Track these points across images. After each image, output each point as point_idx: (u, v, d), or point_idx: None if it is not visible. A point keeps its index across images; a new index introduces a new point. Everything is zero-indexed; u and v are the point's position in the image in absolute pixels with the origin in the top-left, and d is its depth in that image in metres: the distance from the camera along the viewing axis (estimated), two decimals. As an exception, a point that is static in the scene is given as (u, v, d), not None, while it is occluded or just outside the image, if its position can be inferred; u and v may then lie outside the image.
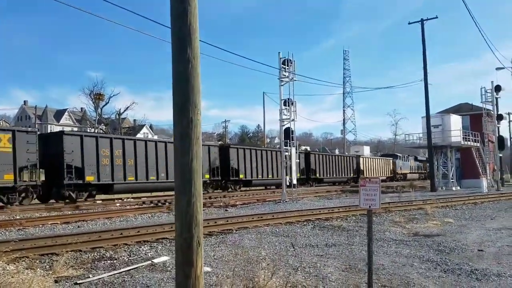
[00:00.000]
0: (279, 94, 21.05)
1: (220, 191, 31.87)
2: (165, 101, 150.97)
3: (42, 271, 6.61)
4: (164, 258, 7.38)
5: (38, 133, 21.89)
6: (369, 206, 5.22)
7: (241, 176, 33.06)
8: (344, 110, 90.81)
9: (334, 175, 45.22)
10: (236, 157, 32.46)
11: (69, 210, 18.40)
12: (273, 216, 13.63)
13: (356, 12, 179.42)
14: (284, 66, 20.68)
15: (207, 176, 30.67)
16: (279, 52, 20.77)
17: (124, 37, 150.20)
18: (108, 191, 23.68)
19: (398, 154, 66.87)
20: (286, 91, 21.13)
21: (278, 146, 57.52)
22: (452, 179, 35.20)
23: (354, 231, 10.97)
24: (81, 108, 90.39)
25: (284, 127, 21.06)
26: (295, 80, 20.83)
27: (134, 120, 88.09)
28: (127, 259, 7.55)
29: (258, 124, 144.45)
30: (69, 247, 8.35)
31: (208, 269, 6.55)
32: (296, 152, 21.00)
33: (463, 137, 34.74)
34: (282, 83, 21.00)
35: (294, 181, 20.57)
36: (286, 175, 21.22)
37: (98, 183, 22.58)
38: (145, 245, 8.81)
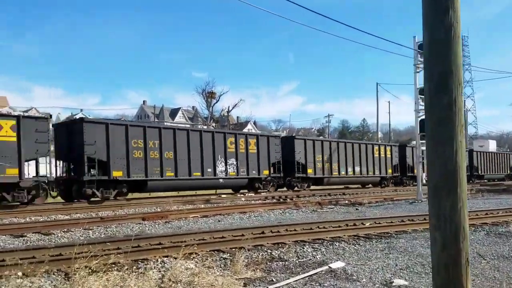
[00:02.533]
0: (414, 82, 19.21)
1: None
2: (262, 98, 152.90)
3: (220, 270, 6.23)
4: (339, 264, 6.59)
5: (58, 121, 20.30)
6: None
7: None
8: (464, 100, 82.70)
9: (493, 172, 44.88)
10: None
11: (205, 204, 18.79)
12: (425, 219, 12.16)
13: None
14: (420, 51, 18.78)
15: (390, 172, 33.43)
16: (414, 36, 18.98)
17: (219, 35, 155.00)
18: (141, 189, 20.81)
19: None
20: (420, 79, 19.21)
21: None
22: None
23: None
24: (193, 107, 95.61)
25: (419, 119, 19.14)
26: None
27: (237, 117, 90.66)
28: (297, 261, 6.94)
29: (364, 118, 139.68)
30: (230, 244, 8.03)
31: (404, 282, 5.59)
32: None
33: None
34: (417, 70, 19.15)
35: (424, 180, 18.59)
36: (423, 171, 19.35)
37: (128, 179, 19.61)
38: (306, 246, 8.15)
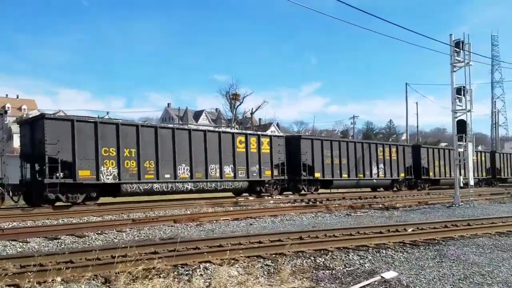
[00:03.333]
0: (451, 82, 18.44)
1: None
2: (284, 100, 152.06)
3: (264, 278, 5.87)
4: (392, 274, 6.15)
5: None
6: None
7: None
8: (494, 101, 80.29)
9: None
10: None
11: (230, 206, 18.47)
12: (468, 224, 11.55)
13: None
14: (457, 49, 18.08)
15: (402, 174, 31.62)
16: (451, 34, 18.27)
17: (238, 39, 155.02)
18: (115, 194, 18.71)
19: None
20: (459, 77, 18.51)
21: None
22: None
23: None
24: (216, 109, 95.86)
25: (456, 119, 18.36)
26: (471, 65, 18.06)
27: (259, 119, 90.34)
28: (345, 270, 6.52)
29: (390, 119, 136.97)
30: (270, 250, 7.67)
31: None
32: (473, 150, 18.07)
33: None
34: (454, 69, 18.39)
35: (471, 182, 17.78)
36: (460, 174, 18.55)
37: (98, 183, 17.50)
38: (350, 253, 7.71)
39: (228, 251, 6.91)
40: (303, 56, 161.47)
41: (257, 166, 23.32)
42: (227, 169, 22.02)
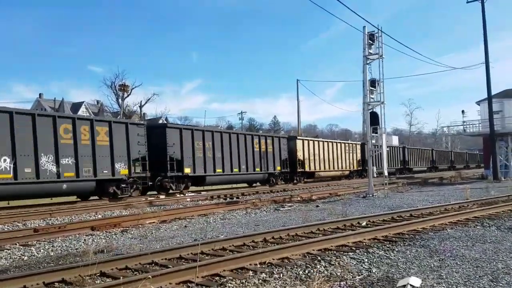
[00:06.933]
0: (364, 74, 18.84)
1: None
2: (167, 95, 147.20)
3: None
4: (417, 281, 5.26)
5: None
6: None
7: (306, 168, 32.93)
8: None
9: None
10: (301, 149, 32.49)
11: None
12: (411, 214, 11.52)
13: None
14: (371, 42, 18.52)
15: (278, 168, 30.35)
16: (364, 26, 18.60)
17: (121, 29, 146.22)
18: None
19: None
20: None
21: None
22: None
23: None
24: (97, 101, 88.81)
25: (369, 111, 18.84)
26: (383, 57, 18.64)
27: (143, 114, 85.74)
28: (358, 278, 5.51)
29: (275, 116, 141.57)
30: (254, 259, 6.32)
31: None
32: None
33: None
34: (368, 62, 18.82)
35: (386, 172, 18.43)
36: (373, 165, 19.11)
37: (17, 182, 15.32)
38: (342, 256, 6.77)
39: (196, 267, 5.42)
40: (185, 51, 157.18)
41: (109, 162, 18.66)
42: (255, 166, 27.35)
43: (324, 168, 35.53)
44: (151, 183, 21.03)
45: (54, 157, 16.65)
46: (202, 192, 24.02)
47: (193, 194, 22.76)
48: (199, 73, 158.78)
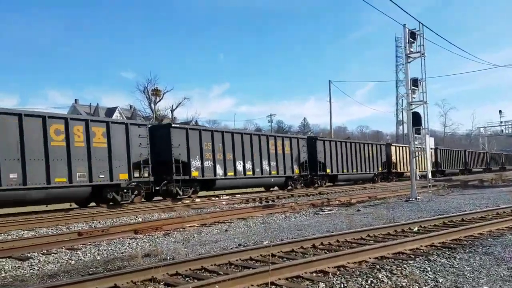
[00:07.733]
0: (406, 73, 18.22)
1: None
2: (195, 99, 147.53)
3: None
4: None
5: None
6: None
7: (328, 171, 30.69)
8: (400, 99, 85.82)
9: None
10: (323, 150, 30.15)
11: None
12: (462, 219, 10.93)
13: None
14: (412, 40, 17.89)
15: (297, 171, 28.38)
16: (404, 24, 17.96)
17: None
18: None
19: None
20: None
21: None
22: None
23: None
24: (130, 106, 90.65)
25: (411, 111, 18.18)
26: (425, 55, 17.95)
27: (174, 117, 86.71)
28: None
29: (304, 118, 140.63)
30: (333, 262, 6.02)
31: None
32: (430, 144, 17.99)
33: None
34: (409, 60, 18.18)
35: (430, 175, 17.73)
36: (416, 168, 18.42)
37: None
38: (404, 265, 6.36)
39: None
40: (212, 54, 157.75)
41: (107, 165, 17.17)
42: (272, 168, 25.61)
43: (347, 171, 32.98)
44: (157, 187, 19.58)
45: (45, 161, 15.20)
46: (222, 197, 22.89)
47: (227, 197, 22.59)
48: (227, 76, 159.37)
